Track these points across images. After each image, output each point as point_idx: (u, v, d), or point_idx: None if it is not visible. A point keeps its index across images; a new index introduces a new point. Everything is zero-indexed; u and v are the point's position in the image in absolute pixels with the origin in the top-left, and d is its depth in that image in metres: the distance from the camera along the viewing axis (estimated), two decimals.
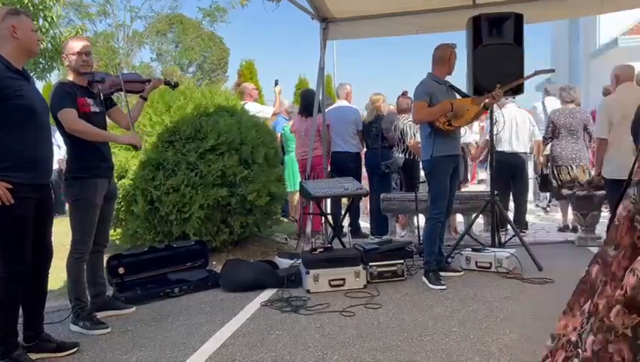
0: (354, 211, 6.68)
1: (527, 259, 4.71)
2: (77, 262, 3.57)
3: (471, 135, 7.20)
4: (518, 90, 4.95)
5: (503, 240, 5.32)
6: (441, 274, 4.46)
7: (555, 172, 6.41)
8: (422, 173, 5.65)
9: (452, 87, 4.64)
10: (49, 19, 10.14)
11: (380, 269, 4.49)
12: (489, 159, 5.44)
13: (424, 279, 4.41)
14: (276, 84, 7.61)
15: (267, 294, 4.28)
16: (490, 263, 4.67)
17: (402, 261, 4.57)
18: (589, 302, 1.74)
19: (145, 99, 3.95)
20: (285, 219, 7.40)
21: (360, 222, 6.93)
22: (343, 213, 6.19)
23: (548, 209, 8.06)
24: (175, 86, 4.27)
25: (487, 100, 4.56)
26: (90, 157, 3.56)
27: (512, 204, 6.65)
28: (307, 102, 6.65)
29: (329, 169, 6.69)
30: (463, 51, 4.95)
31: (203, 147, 5.26)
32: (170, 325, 3.66)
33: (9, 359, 2.90)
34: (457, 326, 3.40)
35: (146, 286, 4.40)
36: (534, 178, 7.76)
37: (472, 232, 5.49)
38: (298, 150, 6.86)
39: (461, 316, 3.59)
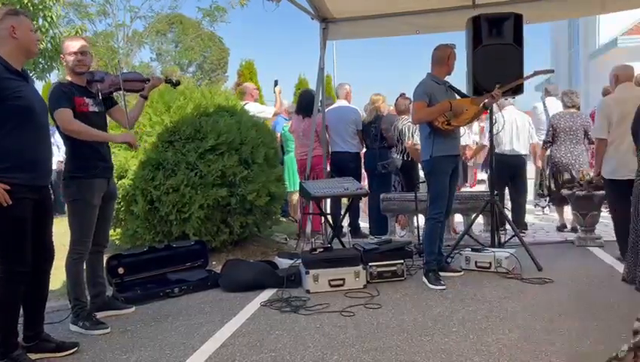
0: (354, 211, 6.68)
1: (526, 259, 4.72)
2: (76, 262, 3.57)
3: (470, 135, 7.20)
4: (517, 90, 4.95)
5: (502, 239, 5.33)
6: (441, 274, 4.46)
7: (554, 176, 6.44)
8: (421, 173, 5.65)
9: (451, 88, 4.64)
10: (49, 19, 10.14)
11: (379, 269, 4.50)
12: (489, 160, 5.44)
13: (424, 279, 4.41)
14: (276, 84, 7.61)
15: (267, 294, 4.28)
16: (490, 263, 4.68)
17: (402, 261, 4.58)
18: None
19: (145, 98, 3.94)
20: (285, 219, 7.39)
21: (359, 222, 6.93)
22: (342, 213, 6.19)
23: (547, 210, 8.04)
24: (176, 84, 4.25)
25: (486, 100, 4.57)
26: (88, 157, 3.56)
27: (508, 204, 6.65)
28: (304, 103, 6.68)
29: (329, 169, 6.70)
30: (462, 51, 4.96)
31: (203, 147, 5.26)
32: (169, 325, 3.66)
33: (9, 359, 2.90)
34: (457, 326, 3.40)
35: (146, 286, 4.40)
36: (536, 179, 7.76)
37: (471, 232, 5.49)
38: (297, 150, 6.87)
39: (461, 316, 3.60)
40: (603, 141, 4.84)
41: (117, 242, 5.54)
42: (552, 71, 5.56)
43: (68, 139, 3.54)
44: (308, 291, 4.26)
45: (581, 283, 4.30)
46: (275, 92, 7.63)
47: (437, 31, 6.35)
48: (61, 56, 3.70)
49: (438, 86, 4.51)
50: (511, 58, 4.90)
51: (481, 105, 4.56)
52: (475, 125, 8.07)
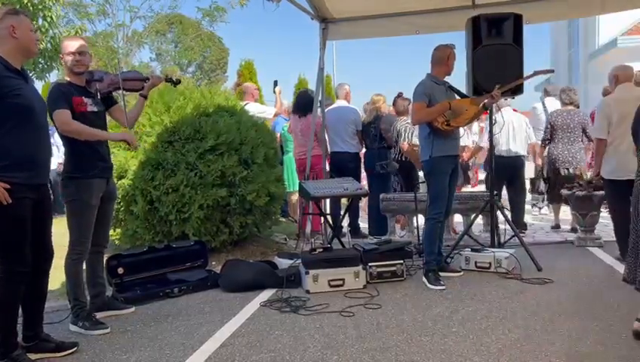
0: (353, 211, 6.68)
1: (526, 259, 4.72)
2: (75, 262, 3.57)
3: (470, 136, 7.19)
4: (517, 90, 4.95)
5: (501, 239, 5.33)
6: (441, 274, 4.46)
7: (552, 174, 6.45)
8: (421, 173, 5.65)
9: (451, 88, 4.64)
10: (48, 19, 10.14)
11: (379, 269, 4.50)
12: (489, 160, 5.44)
13: (424, 279, 4.41)
14: (275, 84, 7.62)
15: (266, 294, 4.27)
16: (490, 263, 4.68)
17: (402, 261, 4.58)
18: None
19: (145, 97, 3.93)
20: (284, 220, 7.39)
21: (359, 222, 6.92)
22: (342, 213, 6.19)
23: (545, 210, 8.04)
24: (177, 83, 4.21)
25: (486, 101, 4.57)
26: (87, 158, 3.55)
27: (506, 205, 6.65)
28: (300, 102, 6.72)
29: (328, 169, 6.70)
30: (462, 52, 4.96)
31: (202, 147, 5.26)
32: (169, 325, 3.66)
33: (8, 359, 2.90)
34: (457, 326, 3.40)
35: (146, 286, 4.40)
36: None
37: (471, 232, 5.49)
38: (295, 150, 6.87)
39: (461, 316, 3.60)
40: (603, 141, 4.84)
41: (117, 242, 5.53)
42: (552, 71, 5.56)
43: (67, 140, 3.54)
44: (308, 291, 4.25)
45: (581, 283, 4.30)
46: (275, 92, 7.63)
47: (437, 31, 6.35)
48: (60, 56, 3.69)
49: (437, 86, 4.51)
50: (511, 58, 4.90)
51: (481, 105, 4.56)
52: (475, 125, 8.07)
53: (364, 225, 6.92)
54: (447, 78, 4.62)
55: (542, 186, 6.63)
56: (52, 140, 3.56)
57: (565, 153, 6.32)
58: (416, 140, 6.21)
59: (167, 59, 24.94)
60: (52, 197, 3.24)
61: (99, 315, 3.71)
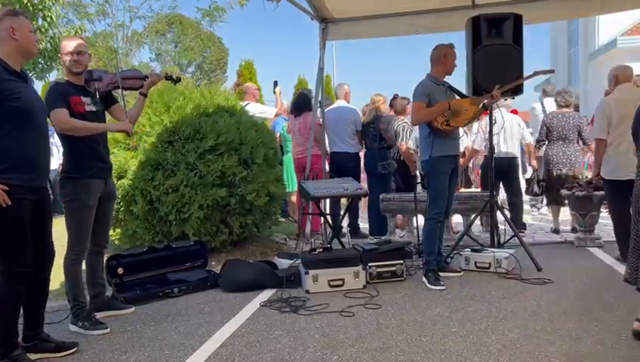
0: (353, 211, 6.68)
1: (526, 259, 4.72)
2: (74, 262, 3.57)
3: (470, 136, 7.20)
4: (517, 90, 4.95)
5: (501, 239, 5.32)
6: (441, 274, 4.46)
7: (546, 176, 6.45)
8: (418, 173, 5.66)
9: (451, 88, 4.64)
10: (48, 19, 10.15)
11: (379, 269, 4.50)
12: (489, 160, 5.43)
13: (423, 279, 4.41)
14: (275, 85, 7.62)
15: (266, 294, 4.27)
16: (490, 263, 4.68)
17: (401, 261, 4.57)
18: None
19: (145, 95, 3.91)
20: (284, 220, 7.39)
21: (359, 222, 6.92)
22: (342, 213, 6.19)
23: (544, 210, 8.04)
24: (177, 81, 4.17)
25: (485, 101, 4.57)
26: (84, 157, 3.54)
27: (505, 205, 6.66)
28: (297, 102, 6.78)
29: (328, 169, 6.70)
30: (462, 52, 4.96)
31: (202, 147, 5.26)
32: (169, 325, 3.66)
33: (8, 359, 2.90)
34: (457, 326, 3.40)
35: (146, 286, 4.39)
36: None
37: (471, 233, 5.49)
38: (294, 149, 6.88)
39: (460, 316, 3.60)
40: (603, 141, 4.84)
41: (116, 242, 5.53)
42: (551, 71, 5.56)
43: (65, 139, 3.53)
44: (307, 291, 4.25)
45: (581, 283, 4.30)
46: (275, 92, 7.64)
47: (437, 31, 6.35)
48: (59, 55, 3.68)
49: (437, 86, 4.51)
50: (510, 58, 4.90)
51: (481, 105, 4.56)
52: (475, 126, 8.06)
53: (364, 225, 6.92)
54: (447, 79, 4.62)
55: (536, 188, 6.63)
56: (51, 140, 3.54)
57: (560, 155, 6.33)
58: (411, 143, 6.23)
59: (167, 60, 24.95)
60: (52, 197, 3.24)
61: (99, 315, 3.71)
